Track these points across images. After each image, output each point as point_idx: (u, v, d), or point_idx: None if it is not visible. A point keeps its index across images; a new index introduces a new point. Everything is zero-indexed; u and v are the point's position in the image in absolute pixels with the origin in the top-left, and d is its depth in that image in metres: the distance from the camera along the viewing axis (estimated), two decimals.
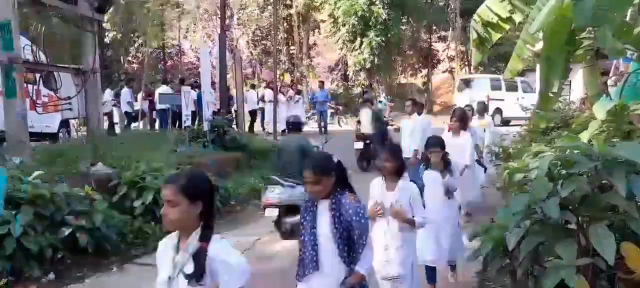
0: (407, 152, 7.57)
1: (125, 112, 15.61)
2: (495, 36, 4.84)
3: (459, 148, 6.31)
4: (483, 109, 8.69)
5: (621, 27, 4.45)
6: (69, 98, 9.00)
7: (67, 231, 5.53)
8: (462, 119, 6.75)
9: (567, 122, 7.61)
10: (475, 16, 4.81)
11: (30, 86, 9.03)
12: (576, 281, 2.73)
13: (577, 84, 12.52)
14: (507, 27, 4.76)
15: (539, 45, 5.42)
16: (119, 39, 28.11)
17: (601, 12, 3.59)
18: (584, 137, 3.41)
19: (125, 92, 15.72)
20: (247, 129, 16.86)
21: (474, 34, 4.89)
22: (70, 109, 9.26)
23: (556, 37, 4.27)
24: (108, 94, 15.68)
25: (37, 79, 10.59)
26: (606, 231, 2.76)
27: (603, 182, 2.99)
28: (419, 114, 8.83)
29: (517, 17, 4.61)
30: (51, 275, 5.40)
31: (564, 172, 3.14)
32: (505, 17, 4.60)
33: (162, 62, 33.53)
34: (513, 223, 3.19)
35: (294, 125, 7.62)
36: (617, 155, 2.80)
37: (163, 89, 15.01)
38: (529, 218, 3.15)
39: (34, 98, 9.39)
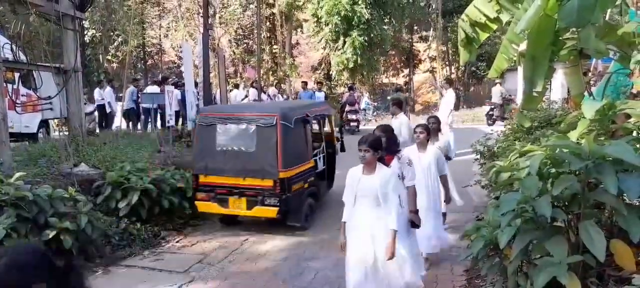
0: None
1: (108, 112, 15.39)
2: (483, 36, 4.89)
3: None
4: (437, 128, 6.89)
5: (603, 28, 4.55)
6: (50, 97, 8.81)
7: (51, 233, 5.43)
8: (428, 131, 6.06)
9: (550, 121, 7.75)
10: (463, 16, 4.86)
11: (9, 85, 8.83)
12: (568, 278, 2.78)
13: (556, 84, 12.76)
14: (494, 27, 4.82)
15: (523, 45, 5.51)
16: (98, 37, 27.66)
17: (585, 13, 3.65)
18: (573, 136, 3.47)
19: (108, 91, 15.50)
20: None
21: (461, 33, 4.93)
22: (51, 109, 9.07)
23: (541, 37, 4.33)
24: (109, 94, 15.44)
25: (16, 78, 10.37)
26: (596, 228, 2.82)
27: (592, 180, 3.05)
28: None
29: (504, 17, 4.66)
30: None
31: (553, 170, 3.19)
32: (492, 17, 4.65)
33: (142, 61, 33.09)
34: (504, 221, 3.23)
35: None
36: (606, 154, 2.85)
37: (150, 88, 14.85)
38: (520, 216, 3.19)
39: (13, 98, 9.18)
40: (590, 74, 9.51)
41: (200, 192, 7.15)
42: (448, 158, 7.50)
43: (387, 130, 4.61)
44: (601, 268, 3.10)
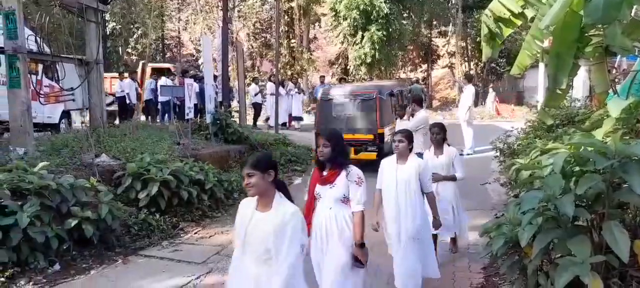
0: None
1: (129, 103, 15.58)
2: (507, 31, 4.82)
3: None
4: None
5: (630, 25, 4.45)
6: (72, 89, 8.96)
7: (73, 222, 5.54)
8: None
9: (572, 119, 7.65)
10: (487, 11, 4.79)
11: (32, 77, 9.00)
12: (590, 278, 2.74)
13: (579, 81, 12.55)
14: (518, 22, 4.75)
15: (547, 42, 5.42)
16: (118, 30, 27.97)
17: (611, 9, 3.58)
18: (598, 134, 3.42)
19: (127, 83, 15.67)
20: (250, 122, 16.83)
21: (484, 29, 4.87)
22: (73, 100, 9.22)
23: (566, 33, 4.25)
24: (128, 85, 15.49)
25: (40, 69, 10.56)
26: (620, 228, 2.78)
27: (617, 179, 3.00)
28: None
29: (529, 13, 4.59)
30: (57, 266, 5.40)
31: (577, 169, 3.15)
32: (517, 12, 4.58)
33: (161, 54, 33.40)
34: (525, 220, 3.20)
35: None
36: (632, 153, 2.80)
37: (163, 80, 14.96)
38: (542, 215, 3.16)
39: (37, 88, 9.35)
40: (614, 72, 9.34)
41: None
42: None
43: (333, 136, 3.61)
44: (624, 269, 3.06)
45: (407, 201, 4.37)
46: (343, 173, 3.56)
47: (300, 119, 18.78)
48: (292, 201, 2.85)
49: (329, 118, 10.35)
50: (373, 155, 9.76)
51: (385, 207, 4.51)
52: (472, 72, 27.65)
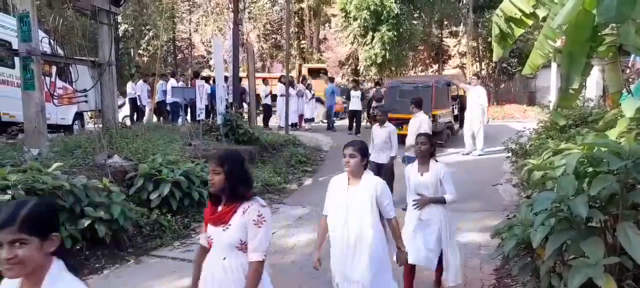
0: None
1: (140, 105, 15.72)
2: (518, 31, 4.78)
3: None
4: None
5: None
6: (85, 90, 9.06)
7: (86, 222, 5.60)
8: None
9: (585, 119, 7.57)
10: (498, 11, 4.76)
11: (46, 78, 9.11)
12: (604, 280, 2.71)
13: (591, 81, 12.44)
14: (530, 22, 4.70)
15: (559, 41, 5.36)
16: (130, 31, 28.24)
17: (625, 8, 3.54)
18: (612, 135, 3.38)
19: (139, 85, 15.81)
20: (261, 123, 16.88)
21: (495, 29, 4.83)
22: (86, 101, 9.32)
23: (579, 32, 4.20)
24: (140, 87, 15.69)
25: (53, 71, 10.69)
26: (635, 230, 2.75)
27: (631, 180, 2.97)
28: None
29: (541, 13, 4.55)
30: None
31: (590, 170, 3.12)
32: (528, 12, 4.54)
33: (172, 55, 33.66)
34: (538, 221, 3.18)
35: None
36: None
37: (173, 82, 15.08)
38: (554, 216, 3.13)
39: (50, 90, 9.46)
40: (628, 71, 9.24)
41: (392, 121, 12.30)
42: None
43: (227, 159, 2.70)
44: (638, 271, 3.02)
45: (359, 233, 3.42)
46: (240, 210, 2.66)
47: (311, 120, 18.80)
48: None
49: (395, 101, 13.40)
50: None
51: (331, 239, 3.59)
52: (483, 72, 27.51)
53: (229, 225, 2.66)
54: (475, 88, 12.56)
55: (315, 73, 20.22)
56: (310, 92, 18.77)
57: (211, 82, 14.99)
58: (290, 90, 17.71)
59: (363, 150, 3.50)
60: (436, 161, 4.51)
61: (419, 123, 8.01)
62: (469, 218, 7.28)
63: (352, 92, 17.41)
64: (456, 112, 14.84)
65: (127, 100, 16.44)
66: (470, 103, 12.50)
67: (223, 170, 2.66)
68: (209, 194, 2.82)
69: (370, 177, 3.53)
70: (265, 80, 18.47)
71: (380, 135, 8.07)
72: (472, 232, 6.62)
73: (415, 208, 4.42)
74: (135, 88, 15.55)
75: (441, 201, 4.40)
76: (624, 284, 3.00)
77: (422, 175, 4.46)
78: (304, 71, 20.49)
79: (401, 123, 11.87)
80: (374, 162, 7.76)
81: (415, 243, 4.36)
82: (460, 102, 14.70)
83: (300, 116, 18.34)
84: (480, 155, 12.06)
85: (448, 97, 14.26)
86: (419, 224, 4.40)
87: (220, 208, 2.73)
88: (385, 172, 7.79)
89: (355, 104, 17.04)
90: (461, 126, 14.08)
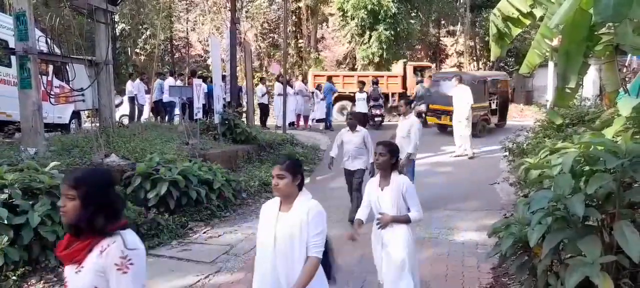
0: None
1: (138, 104, 15.69)
2: (515, 31, 4.80)
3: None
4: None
5: None
6: (82, 89, 9.04)
7: None
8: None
9: (582, 118, 7.60)
10: (495, 10, 4.77)
11: (43, 77, 9.08)
12: (601, 278, 2.73)
13: (588, 80, 12.46)
14: (527, 22, 4.72)
15: (557, 40, 5.38)
16: (127, 30, 28.17)
17: (622, 8, 3.55)
18: (608, 133, 3.39)
19: (137, 84, 15.77)
20: (258, 122, 16.85)
21: (493, 28, 4.85)
22: (83, 100, 9.29)
23: (576, 32, 4.22)
24: (137, 86, 15.61)
25: (50, 70, 10.65)
26: (632, 228, 2.76)
27: (627, 179, 2.98)
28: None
29: (538, 12, 4.56)
30: None
31: (587, 168, 3.13)
32: (526, 12, 4.56)
33: (169, 54, 33.59)
34: (535, 219, 3.19)
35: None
36: None
37: (170, 81, 15.05)
38: (551, 215, 3.14)
39: (47, 89, 9.44)
40: (624, 70, 9.27)
41: (430, 112, 15.25)
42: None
43: (83, 182, 2.04)
44: (635, 269, 3.04)
45: (287, 271, 2.82)
46: (96, 249, 2.02)
47: (323, 120, 17.85)
48: None
49: (436, 93, 15.37)
50: None
51: (255, 275, 3.02)
52: (480, 71, 27.54)
53: (82, 267, 2.02)
54: (459, 88, 12.05)
55: (421, 71, 21.18)
56: (320, 92, 18.16)
57: (209, 81, 14.97)
58: (288, 89, 17.68)
59: (294, 169, 2.86)
60: (400, 174, 3.92)
61: (410, 125, 7.59)
62: (467, 217, 7.30)
63: (358, 95, 16.84)
64: (494, 106, 15.94)
65: (125, 98, 16.41)
66: (457, 103, 12.03)
67: (77, 195, 2.01)
68: (67, 225, 2.10)
69: (305, 199, 2.87)
70: (262, 80, 18.43)
71: (353, 141, 7.27)
72: (469, 230, 6.64)
73: (378, 228, 3.87)
74: (133, 86, 15.51)
75: (405, 220, 3.79)
76: (620, 283, 3.02)
77: (382, 190, 3.85)
78: (409, 69, 21.12)
79: (440, 114, 14.80)
80: (347, 169, 7.33)
81: (382, 271, 3.92)
82: (502, 97, 16.43)
83: (298, 115, 18.22)
84: (470, 157, 11.74)
85: (485, 92, 15.18)
86: (383, 248, 3.85)
87: (74, 244, 2.06)
88: (360, 179, 7.20)
89: (360, 107, 16.37)
90: (501, 120, 16.35)
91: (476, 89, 13.90)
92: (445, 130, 14.79)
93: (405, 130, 7.61)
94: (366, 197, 4.01)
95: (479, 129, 14.33)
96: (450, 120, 12.82)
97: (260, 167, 10.72)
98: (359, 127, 7.40)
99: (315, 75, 21.23)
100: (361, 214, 4.00)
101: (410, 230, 3.84)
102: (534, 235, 3.12)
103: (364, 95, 16.79)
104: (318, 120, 18.17)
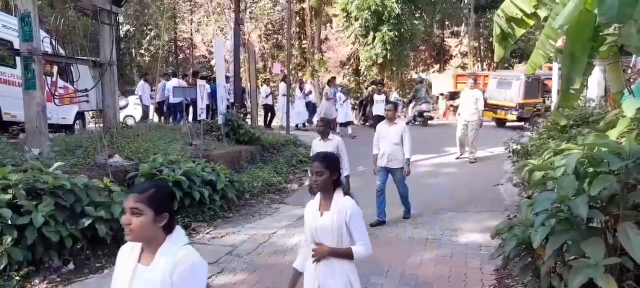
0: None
1: (144, 105, 15.74)
2: (519, 32, 4.78)
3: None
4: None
5: None
6: (86, 90, 9.06)
7: (86, 222, 5.60)
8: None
9: (586, 120, 7.55)
10: (499, 11, 4.75)
11: (47, 78, 9.12)
12: (604, 280, 2.71)
13: (593, 81, 12.39)
14: (531, 22, 4.70)
15: (561, 41, 5.36)
16: (131, 32, 28.27)
17: (626, 8, 3.53)
18: (613, 135, 3.37)
19: (141, 85, 15.82)
20: (263, 123, 16.85)
21: (497, 29, 4.83)
22: (87, 101, 9.32)
23: (580, 32, 4.20)
24: (141, 88, 15.60)
25: (55, 71, 10.69)
26: (636, 230, 2.74)
27: (631, 181, 2.96)
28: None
29: (542, 13, 4.54)
30: (71, 265, 5.46)
31: (591, 170, 3.11)
32: (530, 12, 4.54)
33: (173, 55, 33.67)
34: (538, 221, 3.17)
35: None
36: None
37: (174, 82, 15.06)
38: (555, 216, 3.13)
39: (51, 90, 9.47)
40: (629, 71, 9.22)
41: (486, 106, 14.62)
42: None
43: None
44: (639, 271, 3.02)
45: None
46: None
47: (349, 123, 16.84)
48: None
49: (494, 90, 17.48)
50: (513, 117, 16.71)
51: None
52: (484, 71, 27.49)
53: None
54: (472, 91, 11.65)
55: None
56: (345, 95, 17.24)
57: (211, 80, 14.99)
58: (297, 91, 17.63)
59: (158, 201, 2.08)
60: (345, 195, 2.98)
61: (401, 131, 7.18)
62: (470, 219, 7.28)
63: (376, 96, 16.15)
64: (547, 102, 17.53)
65: (131, 99, 16.45)
66: (465, 106, 11.64)
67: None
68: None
69: (175, 247, 2.07)
70: (266, 81, 18.41)
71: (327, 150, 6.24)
72: (473, 232, 6.61)
73: (313, 262, 2.96)
74: (137, 87, 15.56)
75: (347, 254, 2.92)
76: (624, 285, 3.00)
77: (322, 215, 2.97)
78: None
79: (496, 108, 16.88)
80: None
81: None
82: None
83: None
84: (472, 161, 11.44)
85: (538, 89, 16.75)
86: None
87: None
88: None
89: (379, 109, 15.07)
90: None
91: (530, 85, 16.37)
92: (503, 124, 17.18)
93: (397, 137, 7.14)
94: (305, 225, 3.08)
95: (532, 124, 15.12)
96: (505, 114, 16.47)
97: (263, 168, 10.72)
98: (331, 135, 6.80)
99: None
100: (298, 262, 3.13)
101: (354, 268, 2.98)
102: (537, 236, 3.11)
103: (383, 96, 16.06)
104: (342, 124, 16.68)
